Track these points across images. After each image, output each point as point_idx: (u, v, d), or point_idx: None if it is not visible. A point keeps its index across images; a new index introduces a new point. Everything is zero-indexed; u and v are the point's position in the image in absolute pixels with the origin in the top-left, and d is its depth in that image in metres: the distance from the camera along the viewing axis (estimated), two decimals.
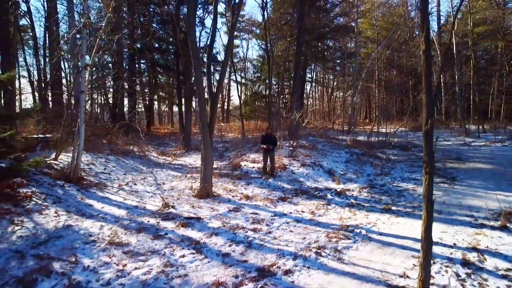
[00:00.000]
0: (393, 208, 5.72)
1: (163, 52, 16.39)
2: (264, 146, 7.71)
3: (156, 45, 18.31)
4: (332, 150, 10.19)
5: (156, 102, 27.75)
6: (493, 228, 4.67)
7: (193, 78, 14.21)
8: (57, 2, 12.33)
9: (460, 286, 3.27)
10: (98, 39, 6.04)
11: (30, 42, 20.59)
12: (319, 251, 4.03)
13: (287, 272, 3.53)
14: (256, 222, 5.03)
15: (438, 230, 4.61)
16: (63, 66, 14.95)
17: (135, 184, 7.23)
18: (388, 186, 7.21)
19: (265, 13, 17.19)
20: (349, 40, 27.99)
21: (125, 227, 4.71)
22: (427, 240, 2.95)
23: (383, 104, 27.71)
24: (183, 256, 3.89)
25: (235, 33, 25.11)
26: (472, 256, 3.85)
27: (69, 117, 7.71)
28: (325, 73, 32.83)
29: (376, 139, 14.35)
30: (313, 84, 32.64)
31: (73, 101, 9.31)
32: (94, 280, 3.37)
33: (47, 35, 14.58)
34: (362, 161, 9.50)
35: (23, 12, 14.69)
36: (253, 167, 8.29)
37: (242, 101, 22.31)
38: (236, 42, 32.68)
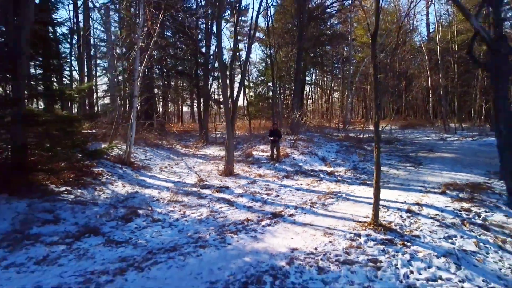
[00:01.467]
0: (368, 182, 7.40)
1: (182, 59, 18.08)
2: (271, 138, 9.42)
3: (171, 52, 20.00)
4: (326, 143, 11.87)
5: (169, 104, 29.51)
6: (435, 193, 6.34)
7: (209, 83, 15.95)
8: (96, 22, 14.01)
9: (401, 221, 4.96)
10: (146, 56, 7.74)
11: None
12: (312, 205, 5.73)
13: (291, 215, 5.23)
14: (268, 190, 6.75)
15: (396, 194, 6.30)
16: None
17: (172, 168, 8.95)
18: (367, 169, 8.88)
19: (269, 24, 18.87)
20: (345, 46, 29.52)
21: (176, 193, 6.42)
22: (376, 187, 4.65)
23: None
24: (221, 207, 5.60)
25: (239, 37, 26.65)
26: (414, 207, 5.53)
27: (121, 117, 9.37)
28: (323, 76, 34.44)
29: (367, 135, 15.97)
30: (312, 86, 34.26)
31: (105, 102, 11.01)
32: (168, 218, 5.08)
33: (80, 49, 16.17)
34: (350, 151, 11.18)
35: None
36: (263, 155, 9.99)
37: (248, 102, 24.00)
38: (240, 45, 34.17)
